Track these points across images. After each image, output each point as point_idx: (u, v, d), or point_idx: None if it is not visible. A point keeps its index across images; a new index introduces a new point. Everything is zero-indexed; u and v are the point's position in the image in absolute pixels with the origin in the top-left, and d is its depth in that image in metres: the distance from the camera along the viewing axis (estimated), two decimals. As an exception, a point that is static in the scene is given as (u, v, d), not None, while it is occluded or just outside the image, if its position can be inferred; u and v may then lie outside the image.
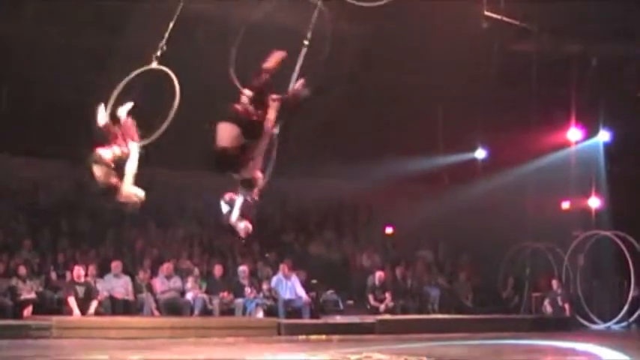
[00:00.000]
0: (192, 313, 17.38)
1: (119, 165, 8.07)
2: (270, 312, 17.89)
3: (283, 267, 18.69)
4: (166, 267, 17.95)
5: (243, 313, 17.71)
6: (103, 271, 17.49)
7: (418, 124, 21.10)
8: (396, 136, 21.41)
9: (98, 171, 8.04)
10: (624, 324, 20.30)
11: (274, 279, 18.61)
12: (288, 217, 22.43)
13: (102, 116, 8.18)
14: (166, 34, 8.53)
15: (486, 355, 12.38)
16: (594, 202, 21.98)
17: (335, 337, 15.87)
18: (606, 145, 22.10)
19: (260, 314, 17.76)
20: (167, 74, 8.37)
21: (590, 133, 21.55)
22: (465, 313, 20.23)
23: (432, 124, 21.97)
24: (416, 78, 20.18)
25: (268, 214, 21.59)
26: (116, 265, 17.39)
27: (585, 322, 20.58)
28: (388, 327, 17.14)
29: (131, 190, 8.25)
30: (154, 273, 18.03)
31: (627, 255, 20.25)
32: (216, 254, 19.85)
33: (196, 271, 18.38)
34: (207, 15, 15.96)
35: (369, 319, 17.88)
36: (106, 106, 8.20)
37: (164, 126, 8.24)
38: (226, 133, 7.82)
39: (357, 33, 19.20)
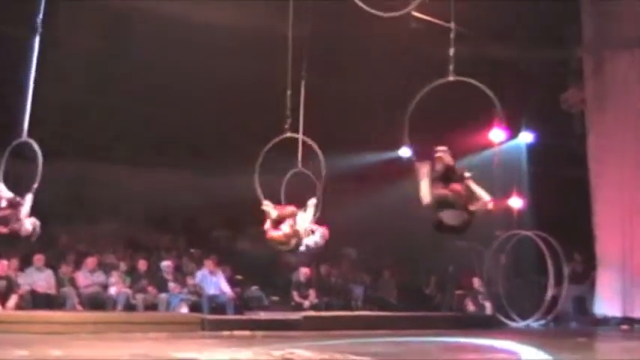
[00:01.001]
0: (115, 308, 17.27)
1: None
2: (194, 307, 17.85)
3: (208, 262, 18.66)
4: (90, 261, 17.79)
5: (167, 308, 17.65)
6: (25, 264, 17.26)
7: (345, 122, 21.24)
8: (321, 134, 21.45)
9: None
10: (543, 322, 20.66)
11: (199, 274, 18.56)
12: (214, 213, 22.36)
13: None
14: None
15: (409, 352, 12.51)
16: (516, 203, 22.32)
17: (259, 333, 15.88)
18: (529, 147, 22.47)
19: (184, 310, 17.71)
20: None
21: (513, 134, 21.87)
22: (388, 311, 20.40)
23: (359, 122, 22.10)
24: (345, 78, 20.33)
25: (194, 210, 21.55)
26: (38, 259, 17.15)
27: (506, 320, 20.89)
28: (312, 324, 17.21)
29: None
30: (78, 267, 17.86)
31: (547, 255, 20.61)
32: (141, 249, 19.73)
33: (122, 265, 18.26)
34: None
35: (294, 315, 17.93)
36: None
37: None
38: (452, 218, 10.12)
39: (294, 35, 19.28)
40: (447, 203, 10.15)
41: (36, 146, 11.32)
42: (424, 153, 18.69)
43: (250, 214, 22.53)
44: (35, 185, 11.35)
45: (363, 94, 21.24)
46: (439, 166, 10.61)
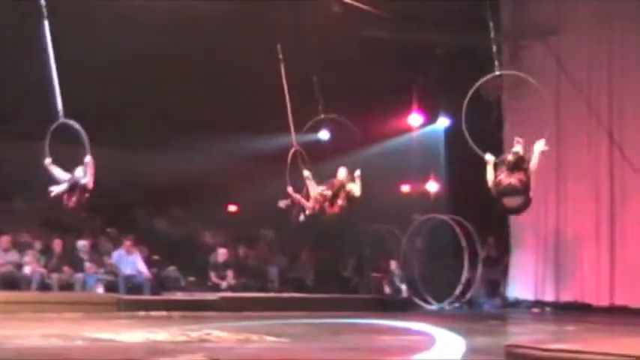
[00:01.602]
0: (29, 287, 17.03)
1: None
2: (110, 287, 17.71)
3: (125, 242, 18.51)
4: (4, 240, 17.51)
5: (83, 288, 17.48)
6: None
7: (266, 104, 21.22)
8: (243, 115, 21.46)
9: None
10: (457, 305, 21.01)
11: (115, 254, 18.42)
12: (132, 192, 22.17)
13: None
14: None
15: (325, 334, 12.61)
16: (433, 187, 22.60)
17: (176, 313, 15.86)
18: (446, 131, 22.73)
19: (100, 290, 17.56)
20: None
21: (431, 118, 22.10)
22: (305, 293, 20.51)
23: (279, 104, 22.09)
24: (265, 59, 20.28)
25: (112, 188, 21.30)
26: (-50, 238, 16.88)
27: (421, 303, 21.19)
28: (229, 304, 17.22)
29: None
30: (-8, 246, 17.58)
31: (462, 238, 20.94)
32: (57, 228, 19.47)
33: (37, 245, 18.01)
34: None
35: (211, 296, 17.93)
36: None
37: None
38: (513, 202, 12.38)
39: (207, 13, 19.23)
40: (512, 191, 12.26)
41: (76, 125, 12.68)
42: (343, 136, 18.95)
43: (169, 194, 22.57)
44: (87, 158, 12.77)
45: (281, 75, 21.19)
46: (512, 157, 12.66)
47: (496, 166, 13.04)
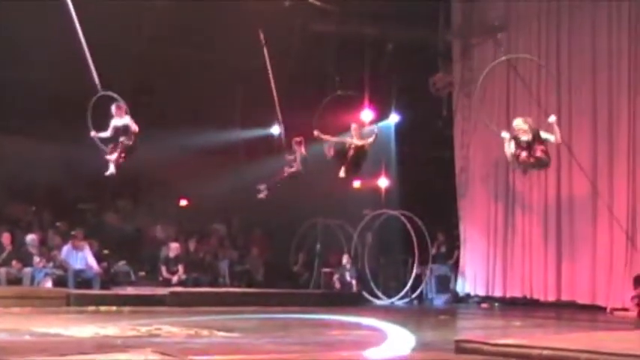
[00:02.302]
0: (-24, 282, 16.86)
1: None
2: (59, 282, 17.57)
3: (75, 236, 18.36)
4: (-49, 234, 17.32)
5: (32, 282, 17.32)
6: None
7: (217, 98, 21.20)
8: (194, 109, 21.42)
9: None
10: (407, 300, 21.13)
11: (65, 248, 18.27)
12: (81, 185, 21.98)
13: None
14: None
15: (275, 328, 12.63)
16: (384, 182, 22.69)
17: (126, 308, 15.77)
18: (397, 127, 22.82)
19: (49, 284, 17.41)
20: None
21: (383, 115, 22.18)
22: (256, 287, 20.53)
23: (230, 98, 22.08)
24: (216, 53, 20.27)
25: (61, 181, 21.15)
26: None
27: (371, 298, 21.28)
28: (180, 299, 17.15)
29: None
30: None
31: (412, 234, 21.05)
32: (4, 222, 19.26)
33: (-16, 239, 17.81)
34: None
35: (161, 291, 17.84)
36: None
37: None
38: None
39: (158, 5, 19.13)
40: (544, 163, 14.78)
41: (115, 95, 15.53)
42: (294, 132, 19.00)
43: (118, 187, 22.41)
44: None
45: (232, 70, 21.18)
46: (527, 136, 14.37)
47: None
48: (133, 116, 15.77)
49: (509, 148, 14.71)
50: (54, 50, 17.33)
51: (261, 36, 15.87)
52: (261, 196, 17.55)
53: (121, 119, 15.58)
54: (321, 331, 12.56)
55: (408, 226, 21.14)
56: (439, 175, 21.80)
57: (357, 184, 22.56)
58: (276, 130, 22.74)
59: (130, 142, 15.51)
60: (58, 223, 19.92)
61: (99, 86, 14.82)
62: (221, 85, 20.79)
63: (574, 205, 18.53)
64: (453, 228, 21.50)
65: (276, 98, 16.89)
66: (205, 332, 11.07)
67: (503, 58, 16.24)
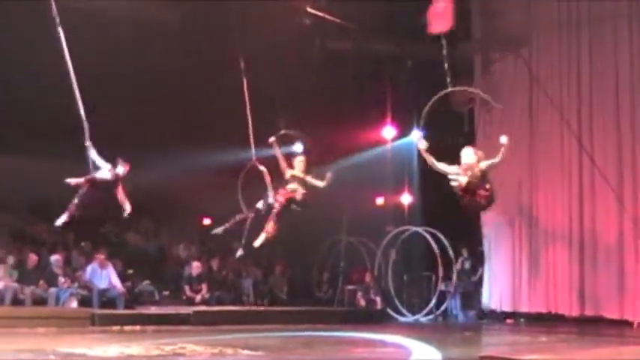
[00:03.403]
0: (2, 302, 16.90)
1: None
2: (84, 302, 17.61)
3: (98, 256, 18.42)
4: (-25, 255, 17.42)
5: (57, 303, 17.37)
6: None
7: (238, 116, 21.18)
8: (217, 127, 21.44)
9: None
10: (431, 317, 21.04)
11: (89, 268, 18.31)
12: (104, 205, 22.03)
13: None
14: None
15: (299, 347, 12.60)
16: (407, 199, 22.64)
17: (150, 328, 15.77)
18: (418, 143, 22.76)
19: (74, 304, 17.45)
20: None
21: (405, 131, 22.15)
22: (279, 306, 20.50)
23: (252, 117, 22.09)
24: (234, 71, 20.29)
25: (84, 202, 21.17)
26: None
27: (395, 315, 21.21)
28: (204, 318, 17.16)
29: None
30: (-37, 261, 17.46)
31: (436, 250, 20.98)
32: (29, 242, 19.36)
33: (10, 259, 17.88)
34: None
35: (185, 310, 17.85)
36: None
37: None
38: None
39: (170, 21, 19.18)
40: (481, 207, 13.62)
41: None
42: (315, 150, 18.98)
43: (141, 208, 22.44)
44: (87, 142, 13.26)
45: (252, 88, 21.22)
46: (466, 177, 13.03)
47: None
48: (159, 136, 15.68)
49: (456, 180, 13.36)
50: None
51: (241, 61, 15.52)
52: (239, 254, 16.55)
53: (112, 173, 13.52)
54: (346, 348, 12.52)
55: (432, 242, 21.07)
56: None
57: (379, 200, 22.54)
58: (297, 148, 22.76)
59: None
60: (82, 244, 19.99)
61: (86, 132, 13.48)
62: (238, 102, 20.80)
63: (598, 218, 18.43)
64: (476, 244, 21.39)
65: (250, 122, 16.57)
66: (230, 351, 11.06)
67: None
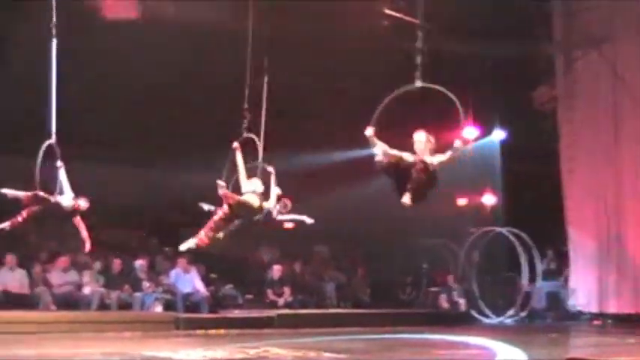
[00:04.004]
0: (89, 307, 17.18)
1: None
2: (168, 306, 17.79)
3: (182, 261, 18.59)
4: (63, 260, 17.70)
5: (142, 307, 17.58)
6: (-2, 264, 17.16)
7: (318, 120, 21.26)
8: (294, 131, 21.50)
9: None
10: (516, 318, 20.80)
11: (173, 273, 18.51)
12: (186, 211, 22.26)
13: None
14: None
15: (382, 349, 12.56)
16: (489, 199, 22.43)
17: (233, 331, 15.89)
18: (502, 144, 22.58)
19: (158, 308, 17.65)
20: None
21: (487, 131, 21.97)
22: (362, 308, 20.45)
23: (331, 120, 22.14)
24: (314, 75, 20.34)
25: (166, 207, 21.46)
26: (10, 259, 17.06)
27: (480, 317, 21.02)
28: (287, 321, 17.22)
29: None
30: (51, 267, 17.76)
31: (520, 251, 20.74)
32: (114, 248, 19.64)
33: (96, 265, 18.17)
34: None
35: (268, 313, 17.93)
36: None
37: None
38: None
39: (253, 30, 19.25)
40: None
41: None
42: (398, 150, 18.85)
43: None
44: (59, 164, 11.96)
45: (332, 91, 21.27)
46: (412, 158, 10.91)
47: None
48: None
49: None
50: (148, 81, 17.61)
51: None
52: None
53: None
54: (429, 351, 12.44)
55: (516, 243, 20.85)
56: (545, 191, 21.42)
57: (461, 201, 22.37)
58: (377, 150, 22.67)
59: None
60: (165, 248, 20.21)
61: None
62: (318, 105, 20.85)
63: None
64: (561, 244, 21.08)
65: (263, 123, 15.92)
66: (313, 354, 11.06)
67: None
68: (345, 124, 22.41)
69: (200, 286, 18.37)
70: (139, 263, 18.40)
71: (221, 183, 11.61)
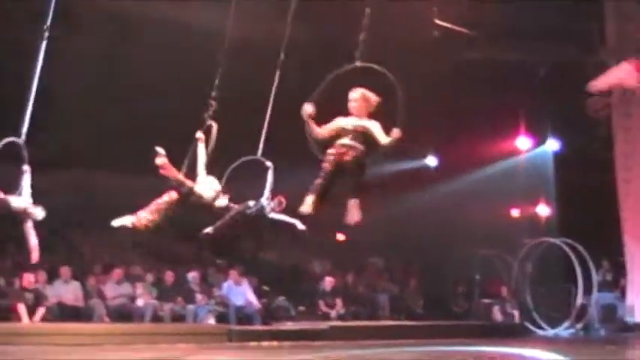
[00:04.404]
0: (142, 319, 17.29)
1: None
2: (221, 318, 17.85)
3: (234, 273, 18.66)
4: (117, 273, 17.85)
5: (195, 319, 17.65)
6: (52, 277, 17.33)
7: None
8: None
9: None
10: (572, 330, 20.54)
11: (225, 285, 18.58)
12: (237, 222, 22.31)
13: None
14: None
15: (436, 361, 12.47)
16: (543, 210, 22.23)
17: (286, 343, 15.85)
18: (555, 154, 22.37)
19: (211, 321, 17.71)
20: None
21: (540, 141, 21.78)
22: (415, 320, 20.34)
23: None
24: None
25: (219, 219, 21.53)
26: (65, 271, 17.26)
27: (534, 329, 20.79)
28: (339, 333, 17.13)
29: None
30: (104, 279, 17.92)
31: (575, 262, 20.49)
32: (167, 260, 19.77)
33: (149, 277, 18.29)
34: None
35: (321, 325, 17.87)
36: None
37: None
38: None
39: (303, 39, 19.27)
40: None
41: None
42: (450, 161, 18.76)
43: (274, 225, 22.63)
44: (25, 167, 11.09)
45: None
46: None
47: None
48: (292, 151, 15.64)
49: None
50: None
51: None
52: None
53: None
54: (484, 363, 12.32)
55: (570, 254, 20.58)
56: (600, 200, 21.15)
57: (514, 212, 22.20)
58: (431, 161, 22.68)
59: None
60: (218, 261, 20.28)
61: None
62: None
63: None
64: (618, 254, 20.79)
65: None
66: (365, 366, 11.01)
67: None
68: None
69: (252, 298, 18.41)
70: (192, 275, 18.49)
71: (161, 151, 9.93)
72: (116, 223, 9.93)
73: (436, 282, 22.65)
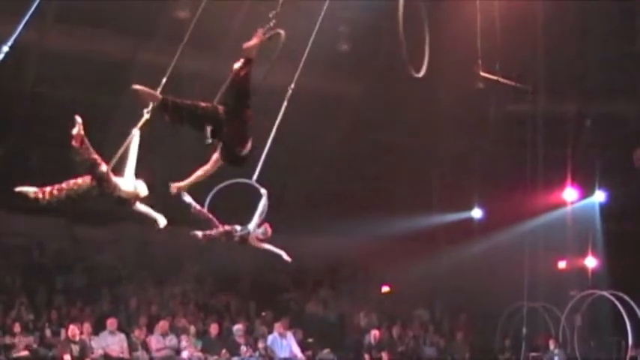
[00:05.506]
0: (187, 372, 17.25)
1: None
2: (266, 371, 17.78)
3: (279, 325, 18.59)
4: (162, 325, 17.84)
5: (245, 372, 17.60)
6: (98, 328, 17.37)
7: (416, 183, 21.22)
8: (394, 195, 21.48)
9: None
10: (622, 384, 20.21)
11: (270, 338, 18.50)
12: (284, 275, 22.34)
13: None
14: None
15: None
16: (591, 262, 21.97)
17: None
18: (602, 205, 22.15)
19: (256, 373, 17.63)
20: None
21: (586, 192, 21.58)
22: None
23: (429, 183, 22.09)
24: (412, 138, 20.35)
25: (264, 272, 21.55)
26: (111, 323, 17.28)
27: (583, 382, 20.48)
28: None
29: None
30: (150, 331, 17.91)
31: (625, 315, 20.18)
32: (212, 312, 19.75)
33: (192, 329, 18.25)
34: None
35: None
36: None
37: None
38: None
39: (352, 93, 19.43)
40: None
41: None
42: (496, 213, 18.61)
43: (320, 276, 22.66)
44: None
45: (430, 154, 21.26)
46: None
47: None
48: (335, 205, 15.66)
49: None
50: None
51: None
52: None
53: None
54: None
55: (620, 306, 20.27)
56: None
57: (562, 264, 21.96)
58: (476, 213, 22.55)
59: None
60: (263, 313, 20.23)
61: None
62: (416, 169, 20.83)
63: None
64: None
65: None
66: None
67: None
68: (441, 187, 22.45)
69: (297, 351, 18.32)
70: (237, 327, 18.42)
71: (78, 119, 8.06)
72: (19, 189, 8.90)
73: (483, 334, 22.41)
